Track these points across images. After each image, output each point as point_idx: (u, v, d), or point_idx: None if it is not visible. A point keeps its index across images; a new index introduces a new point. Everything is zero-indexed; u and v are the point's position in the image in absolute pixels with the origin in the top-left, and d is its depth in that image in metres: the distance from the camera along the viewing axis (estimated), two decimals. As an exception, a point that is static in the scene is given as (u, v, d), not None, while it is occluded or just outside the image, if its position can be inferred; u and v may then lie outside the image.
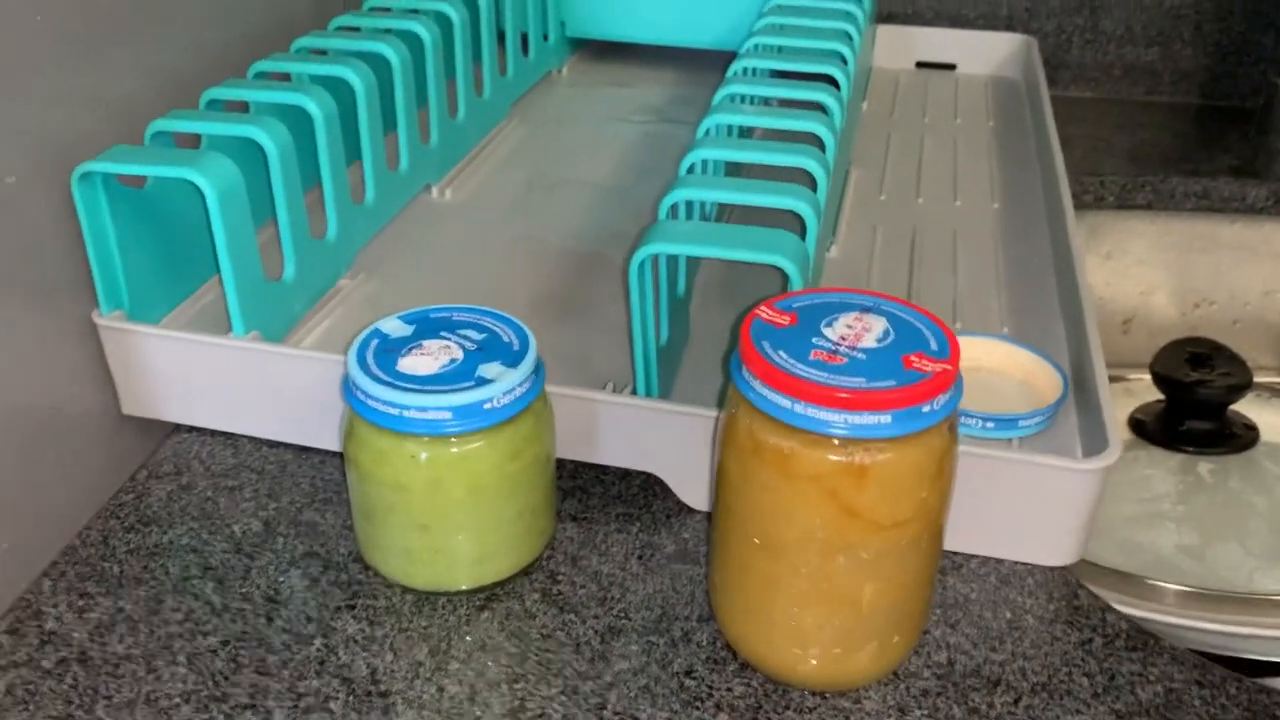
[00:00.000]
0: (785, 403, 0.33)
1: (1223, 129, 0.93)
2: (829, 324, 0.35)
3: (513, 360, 0.41)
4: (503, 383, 0.39)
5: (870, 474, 0.33)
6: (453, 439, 0.39)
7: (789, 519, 0.35)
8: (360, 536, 0.44)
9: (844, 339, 0.34)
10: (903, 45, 0.94)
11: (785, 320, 0.35)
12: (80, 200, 0.47)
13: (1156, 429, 0.73)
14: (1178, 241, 0.88)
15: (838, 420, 0.32)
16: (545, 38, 0.88)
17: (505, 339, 0.42)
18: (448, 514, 0.41)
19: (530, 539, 0.43)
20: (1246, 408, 0.75)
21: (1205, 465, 0.71)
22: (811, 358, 0.34)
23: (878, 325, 0.35)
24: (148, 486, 0.49)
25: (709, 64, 0.90)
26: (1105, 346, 0.50)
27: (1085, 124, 0.93)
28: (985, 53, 0.93)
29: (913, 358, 0.34)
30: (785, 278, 0.42)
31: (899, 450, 0.33)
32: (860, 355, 0.34)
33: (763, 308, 0.36)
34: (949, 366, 0.33)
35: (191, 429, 0.52)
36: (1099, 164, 0.86)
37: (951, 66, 0.93)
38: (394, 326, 0.43)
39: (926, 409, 0.33)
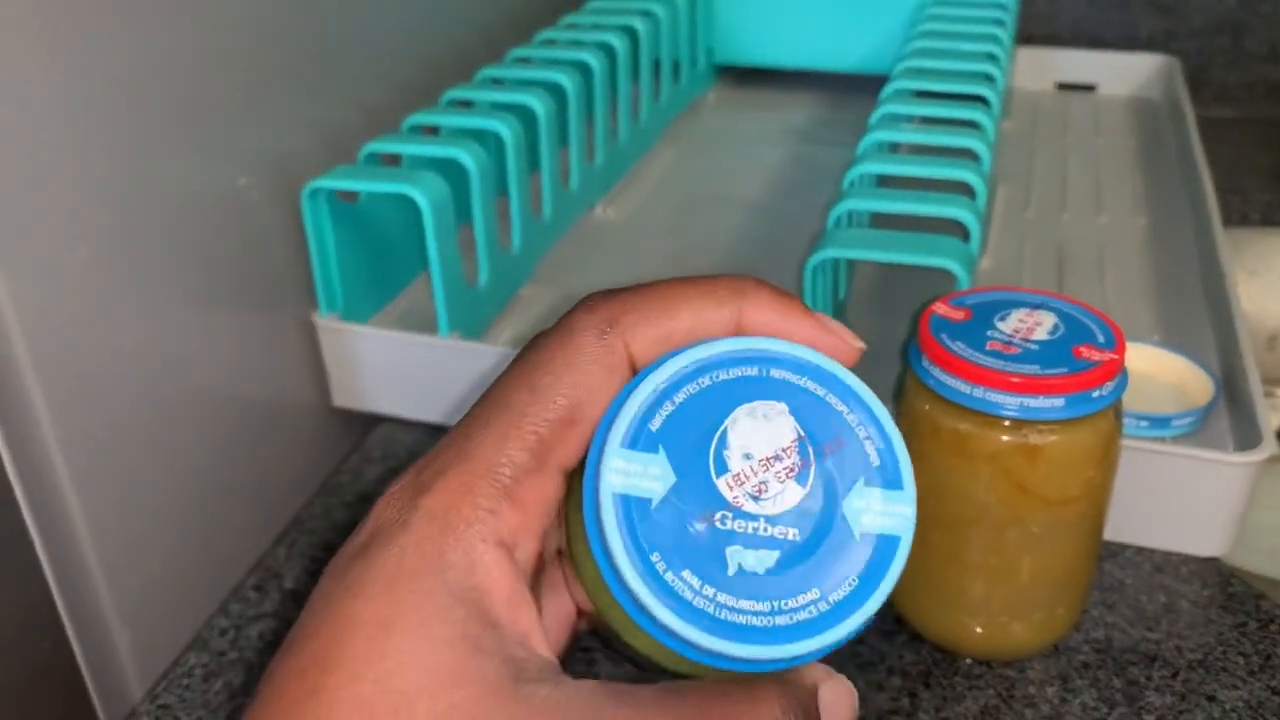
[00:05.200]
0: (964, 388, 0.36)
1: (1371, 146, 0.93)
2: (1002, 318, 0.39)
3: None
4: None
5: (1042, 454, 0.37)
6: None
7: (965, 496, 0.38)
8: None
9: (1017, 331, 0.38)
10: (1043, 67, 0.96)
11: (960, 315, 0.39)
12: (308, 214, 0.53)
13: (1304, 441, 0.74)
14: (1324, 258, 0.88)
15: (1013, 403, 0.36)
16: (694, 65, 0.93)
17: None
18: None
19: None
20: (1398, 422, 0.75)
21: (1355, 477, 0.71)
22: (988, 348, 0.37)
23: (1048, 320, 0.38)
24: (361, 470, 0.55)
25: (848, 87, 0.94)
26: (1252, 361, 0.52)
27: (1227, 143, 0.93)
28: (1126, 73, 0.94)
29: (1082, 349, 0.37)
30: (951, 279, 0.46)
31: (1069, 432, 0.36)
32: (1033, 346, 0.37)
33: (939, 304, 0.40)
34: (1116, 356, 0.37)
35: (395, 420, 0.58)
36: (1242, 182, 0.87)
37: (1091, 88, 0.95)
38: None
39: (1096, 394, 0.36)
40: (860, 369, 0.57)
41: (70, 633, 0.41)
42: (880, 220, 0.61)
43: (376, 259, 0.59)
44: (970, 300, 0.40)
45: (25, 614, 0.40)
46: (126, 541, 0.42)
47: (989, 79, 0.67)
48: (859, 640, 0.43)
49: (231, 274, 0.49)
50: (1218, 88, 0.98)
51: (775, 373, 0.25)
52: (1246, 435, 0.47)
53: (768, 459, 0.24)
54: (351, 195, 0.56)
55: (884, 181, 0.59)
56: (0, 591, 0.38)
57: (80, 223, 0.39)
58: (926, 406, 0.38)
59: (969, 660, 0.42)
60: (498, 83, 0.67)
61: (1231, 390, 0.52)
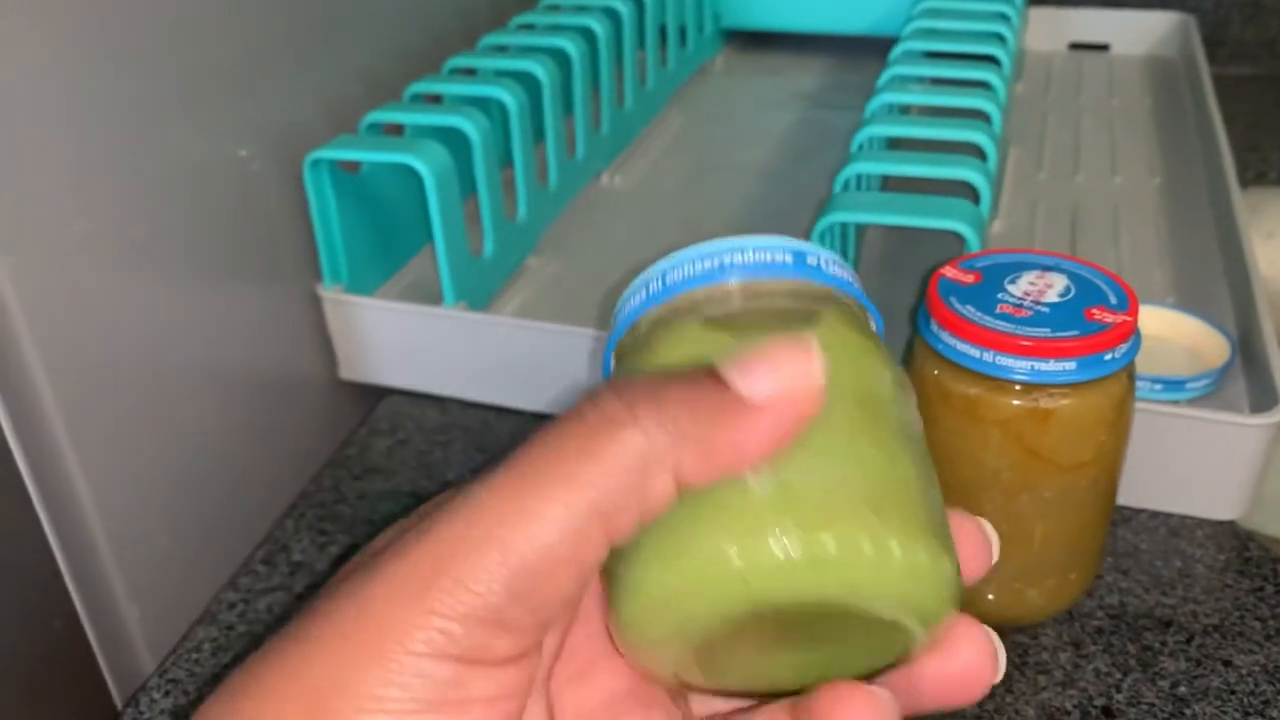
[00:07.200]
0: (974, 352, 0.36)
1: (1392, 102, 0.91)
2: (1012, 281, 0.38)
3: None
4: None
5: (1053, 418, 0.36)
6: None
7: (976, 461, 0.38)
8: None
9: (1028, 294, 0.37)
10: (1055, 27, 0.94)
11: (970, 279, 0.38)
12: (310, 184, 0.52)
13: (1322, 403, 0.73)
14: (1344, 217, 0.86)
15: (1024, 367, 0.35)
16: (701, 30, 0.92)
17: None
18: None
19: None
20: None
21: (1375, 438, 0.70)
22: (998, 311, 0.36)
23: (1059, 282, 0.38)
24: (369, 442, 0.55)
25: (857, 51, 0.93)
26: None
27: (1245, 101, 0.92)
28: (1140, 32, 0.93)
29: (1094, 310, 0.36)
30: (961, 242, 0.45)
31: (1080, 396, 0.36)
32: (1044, 309, 0.36)
33: (948, 267, 0.39)
34: (1129, 318, 0.36)
35: (403, 392, 0.58)
36: (1260, 141, 0.86)
37: (1105, 47, 0.94)
38: None
39: (1108, 357, 0.35)
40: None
41: (80, 609, 0.41)
42: (890, 183, 0.60)
43: (381, 230, 0.58)
44: (980, 263, 0.39)
45: (35, 592, 0.40)
46: (134, 517, 0.42)
47: (1000, 39, 0.66)
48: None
49: (234, 246, 0.48)
50: (1235, 45, 0.97)
51: None
52: (1262, 397, 0.47)
53: None
54: (354, 165, 0.56)
55: (893, 144, 0.58)
56: (10, 570, 0.38)
57: (79, 196, 0.39)
58: (936, 371, 0.38)
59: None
60: (501, 50, 0.66)
61: (1247, 352, 0.51)
